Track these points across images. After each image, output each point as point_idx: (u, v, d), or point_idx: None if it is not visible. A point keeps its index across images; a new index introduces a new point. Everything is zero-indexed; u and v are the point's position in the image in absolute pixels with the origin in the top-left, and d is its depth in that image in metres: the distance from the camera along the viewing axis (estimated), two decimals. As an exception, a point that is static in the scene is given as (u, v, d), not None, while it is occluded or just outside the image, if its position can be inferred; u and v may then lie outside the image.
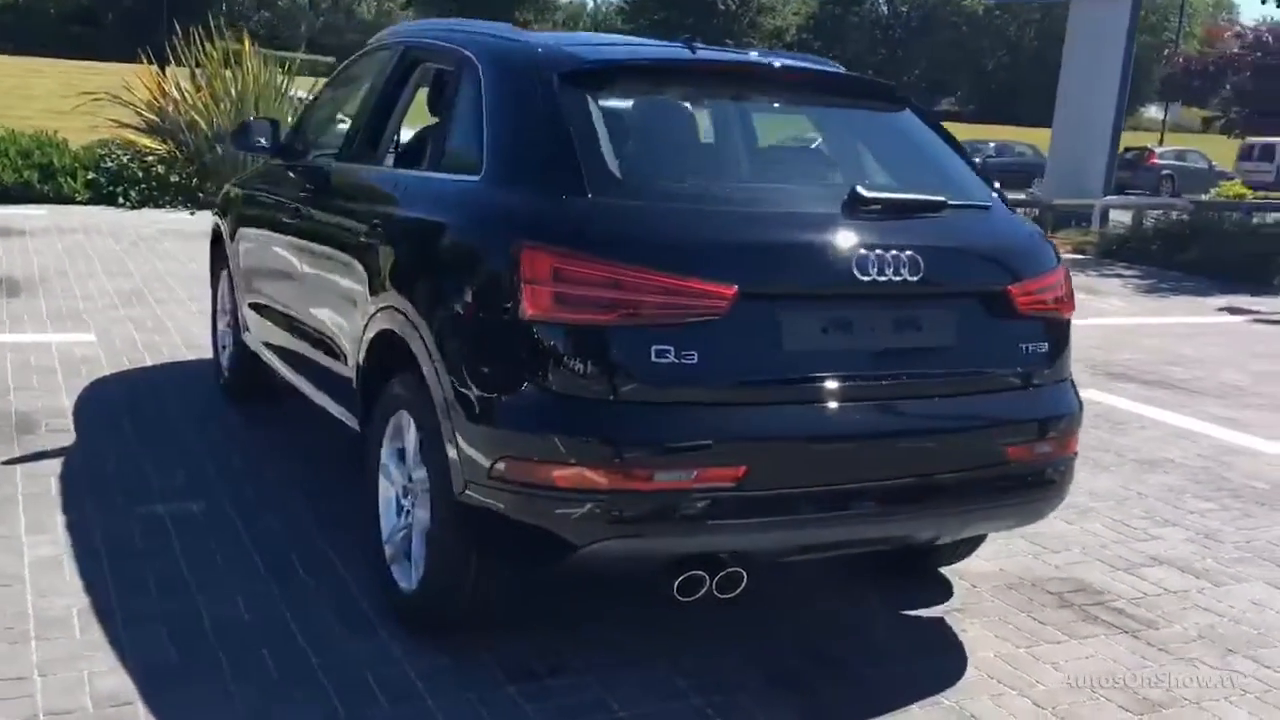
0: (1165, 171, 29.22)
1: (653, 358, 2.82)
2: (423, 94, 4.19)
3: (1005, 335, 3.23)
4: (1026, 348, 3.25)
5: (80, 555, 3.78)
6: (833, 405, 2.98)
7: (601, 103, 3.23)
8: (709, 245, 2.93)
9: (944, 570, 4.09)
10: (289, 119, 13.57)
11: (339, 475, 4.67)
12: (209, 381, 5.90)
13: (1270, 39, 17.11)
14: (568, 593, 3.67)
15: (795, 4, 62.97)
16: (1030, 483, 3.28)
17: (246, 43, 13.84)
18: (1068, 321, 3.40)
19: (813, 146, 3.61)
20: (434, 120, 4.03)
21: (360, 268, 3.71)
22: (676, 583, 2.93)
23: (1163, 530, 4.74)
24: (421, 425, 3.26)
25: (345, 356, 3.84)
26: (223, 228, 5.52)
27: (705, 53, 3.59)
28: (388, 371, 3.53)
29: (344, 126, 4.64)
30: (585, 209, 2.95)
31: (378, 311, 3.52)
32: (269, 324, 4.82)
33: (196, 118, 13.36)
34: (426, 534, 3.22)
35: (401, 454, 3.51)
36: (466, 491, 3.01)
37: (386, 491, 3.59)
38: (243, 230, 5.18)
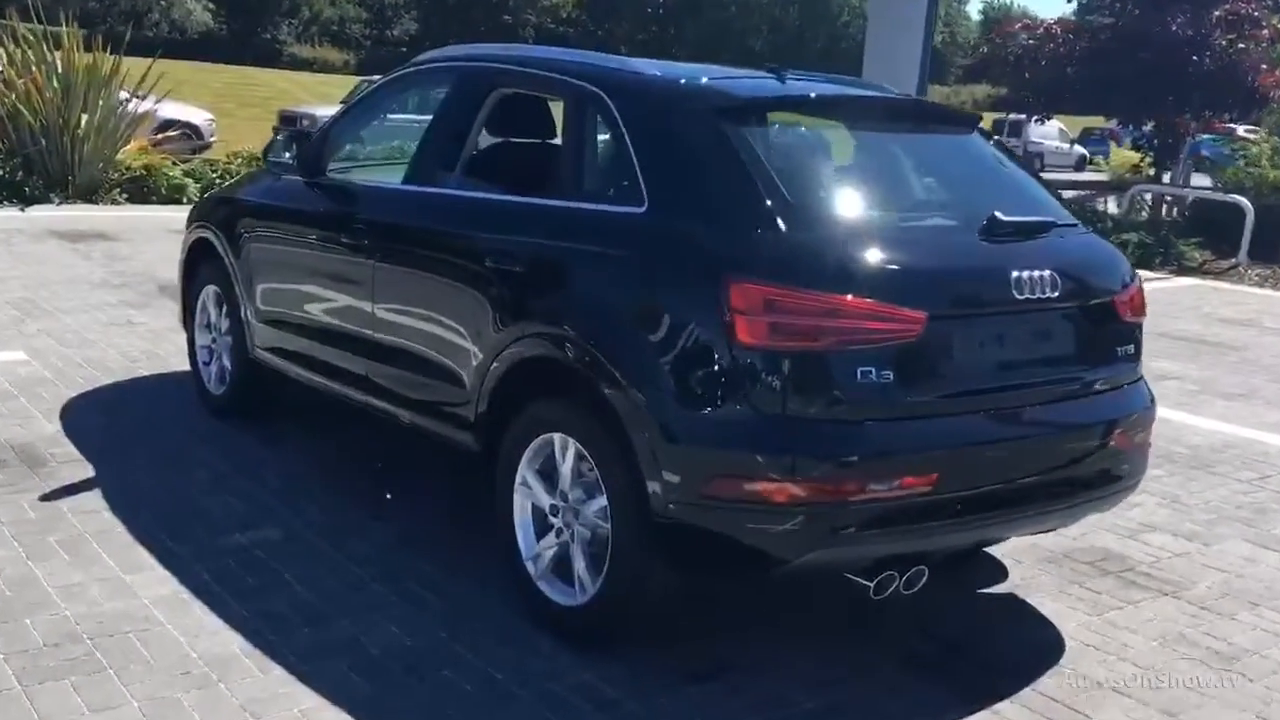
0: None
1: (858, 378, 3.08)
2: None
3: (1109, 340, 3.64)
4: (1122, 350, 3.68)
5: (199, 592, 3.73)
6: (999, 412, 3.34)
7: (762, 136, 3.45)
8: (902, 273, 3.21)
9: (988, 551, 4.51)
10: (114, 110, 12.94)
11: (384, 488, 4.71)
12: (189, 399, 5.73)
13: (1059, 31, 18.64)
14: (703, 600, 3.89)
15: (570, -19, 63.58)
16: (1125, 471, 3.71)
17: (68, 26, 12.99)
18: (1142, 325, 3.84)
19: (929, 174, 3.93)
20: (517, 146, 4.14)
21: (483, 295, 3.79)
22: (874, 583, 3.20)
23: (1137, 498, 5.31)
24: (593, 447, 3.40)
25: (460, 379, 3.90)
26: (215, 240, 5.37)
27: (844, 88, 3.91)
28: (528, 396, 3.65)
29: (384, 146, 4.66)
30: (784, 243, 3.17)
31: (521, 339, 3.62)
32: (309, 341, 4.77)
33: (20, 108, 12.50)
34: (612, 551, 3.37)
35: (544, 473, 3.64)
36: (669, 510, 3.19)
37: (524, 509, 3.71)
38: (257, 246, 5.07)
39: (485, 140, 4.34)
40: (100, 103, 12.60)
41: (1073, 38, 18.54)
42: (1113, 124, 21.93)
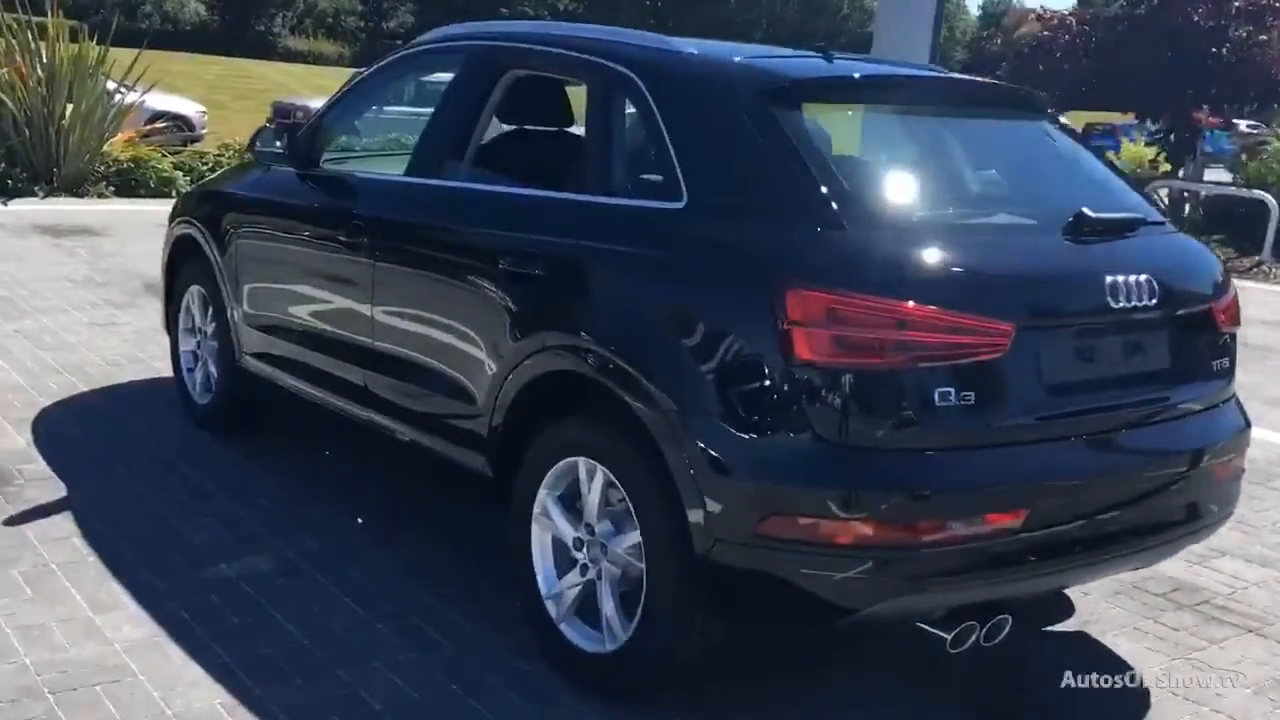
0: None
1: (935, 401, 2.66)
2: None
3: (1204, 354, 3.23)
4: (1217, 364, 3.26)
5: (177, 636, 3.31)
6: (1092, 438, 2.92)
7: (817, 122, 3.03)
8: (983, 278, 2.80)
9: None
10: (101, 101, 12.48)
11: (385, 513, 4.30)
12: (173, 408, 5.30)
13: (1074, 23, 18.21)
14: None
15: (567, -26, 62.96)
16: (1220, 501, 3.29)
17: (54, 15, 12.53)
18: (1236, 335, 3.43)
19: (1002, 164, 3.50)
20: (534, 135, 3.70)
21: (496, 300, 3.37)
22: (952, 635, 2.79)
23: (1200, 519, 4.91)
24: (624, 475, 2.98)
25: (470, 394, 3.49)
26: (200, 237, 4.94)
27: (903, 69, 3.47)
28: (548, 413, 3.24)
29: (385, 136, 4.22)
30: (848, 243, 2.75)
31: (541, 350, 3.20)
32: (301, 348, 4.35)
33: (3, 97, 12.04)
34: (647, 593, 2.95)
35: (567, 501, 3.23)
36: (715, 550, 2.77)
37: (543, 541, 3.30)
38: (245, 243, 4.65)
39: (498, 128, 3.92)
40: (86, 93, 12.15)
41: (1088, 29, 18.10)
42: (1129, 119, 21.47)
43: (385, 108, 4.90)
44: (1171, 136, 17.99)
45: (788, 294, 2.68)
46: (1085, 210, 3.00)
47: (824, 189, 2.82)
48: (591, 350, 3.06)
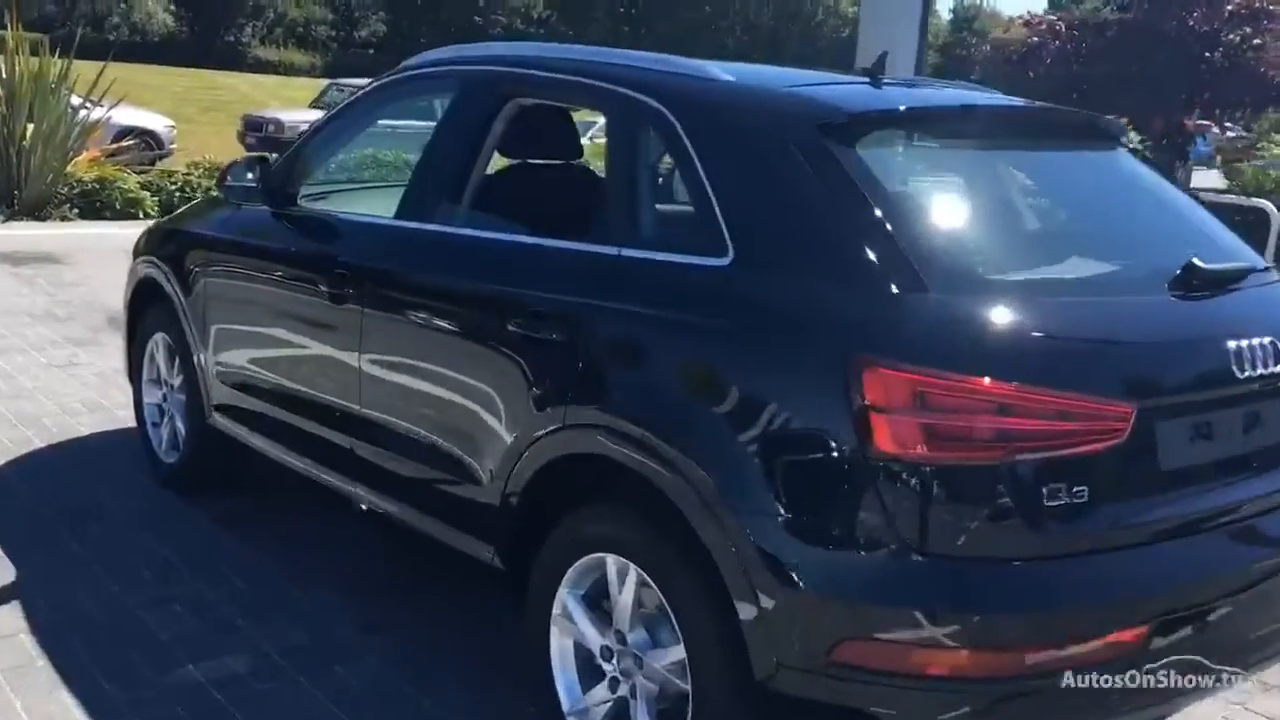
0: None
1: (1045, 500, 2.23)
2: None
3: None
4: None
5: (138, 764, 2.84)
6: (1220, 533, 2.49)
7: (886, 161, 2.59)
8: (1098, 349, 2.37)
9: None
10: (64, 118, 11.92)
11: (380, 591, 3.83)
12: (137, 464, 4.81)
13: (1063, 27, 17.88)
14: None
15: (540, -19, 62.45)
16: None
17: (13, 29, 11.97)
18: None
19: (1091, 206, 3.05)
20: (543, 173, 3.25)
21: (506, 367, 2.92)
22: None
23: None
24: (664, 578, 2.54)
25: (474, 473, 3.03)
26: (165, 280, 4.46)
27: (960, 93, 3.02)
28: (570, 499, 2.79)
29: (372, 171, 3.75)
30: (937, 309, 2.31)
31: (562, 428, 2.75)
32: (282, 411, 3.88)
33: (-41, 116, 11.49)
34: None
35: (592, 600, 2.78)
36: (778, 677, 2.33)
37: (564, 648, 2.85)
38: (213, 289, 4.17)
39: (500, 165, 3.46)
40: (48, 111, 11.61)
41: (1078, 34, 17.79)
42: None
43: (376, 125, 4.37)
44: (1165, 141, 17.69)
45: (865, 373, 2.24)
46: (1195, 261, 2.57)
47: (900, 243, 2.38)
48: (622, 431, 2.60)
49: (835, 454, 2.28)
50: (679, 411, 2.53)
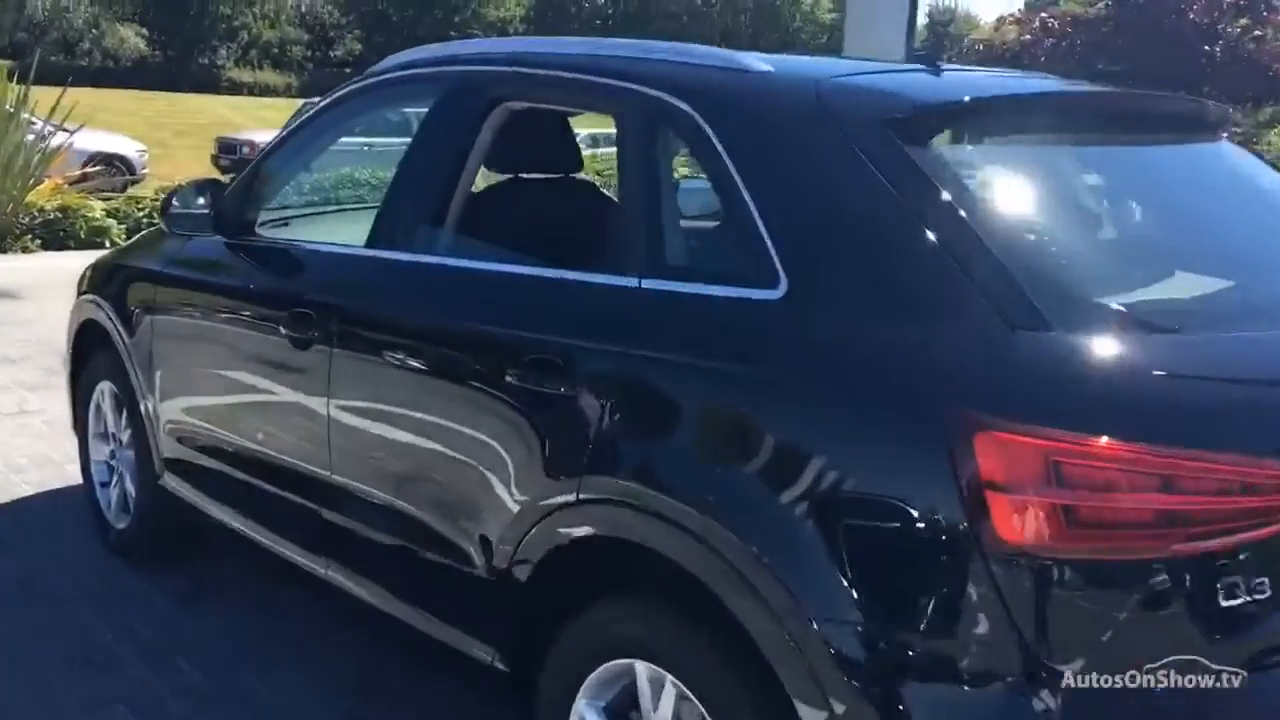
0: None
1: (1221, 599, 1.70)
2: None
3: None
4: None
5: None
6: None
7: (975, 164, 2.08)
8: (1266, 397, 1.84)
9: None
10: (23, 145, 11.36)
11: (357, 691, 3.29)
12: (84, 528, 4.27)
13: (1055, 24, 17.45)
14: None
15: (516, -7, 62.01)
16: None
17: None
18: None
19: (1207, 208, 2.53)
20: (543, 190, 2.72)
21: (507, 427, 2.39)
22: None
23: None
24: (710, 695, 2.01)
25: (468, 555, 2.50)
26: (109, 322, 3.92)
27: (1033, 80, 2.49)
28: (588, 589, 2.26)
29: (341, 192, 3.22)
30: (1066, 351, 1.78)
31: (577, 504, 2.22)
32: (238, 473, 3.35)
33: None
34: None
35: (616, 712, 2.25)
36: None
37: (583, 773, 2.31)
38: (162, 334, 3.64)
39: (489, 180, 2.94)
40: (5, 138, 11.05)
41: (1071, 32, 17.34)
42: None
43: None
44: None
45: (976, 436, 1.71)
46: None
47: (1007, 265, 1.87)
48: (653, 508, 2.08)
49: (940, 546, 1.76)
50: (727, 486, 2.01)
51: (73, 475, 4.73)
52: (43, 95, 11.58)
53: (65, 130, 11.78)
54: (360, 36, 57.99)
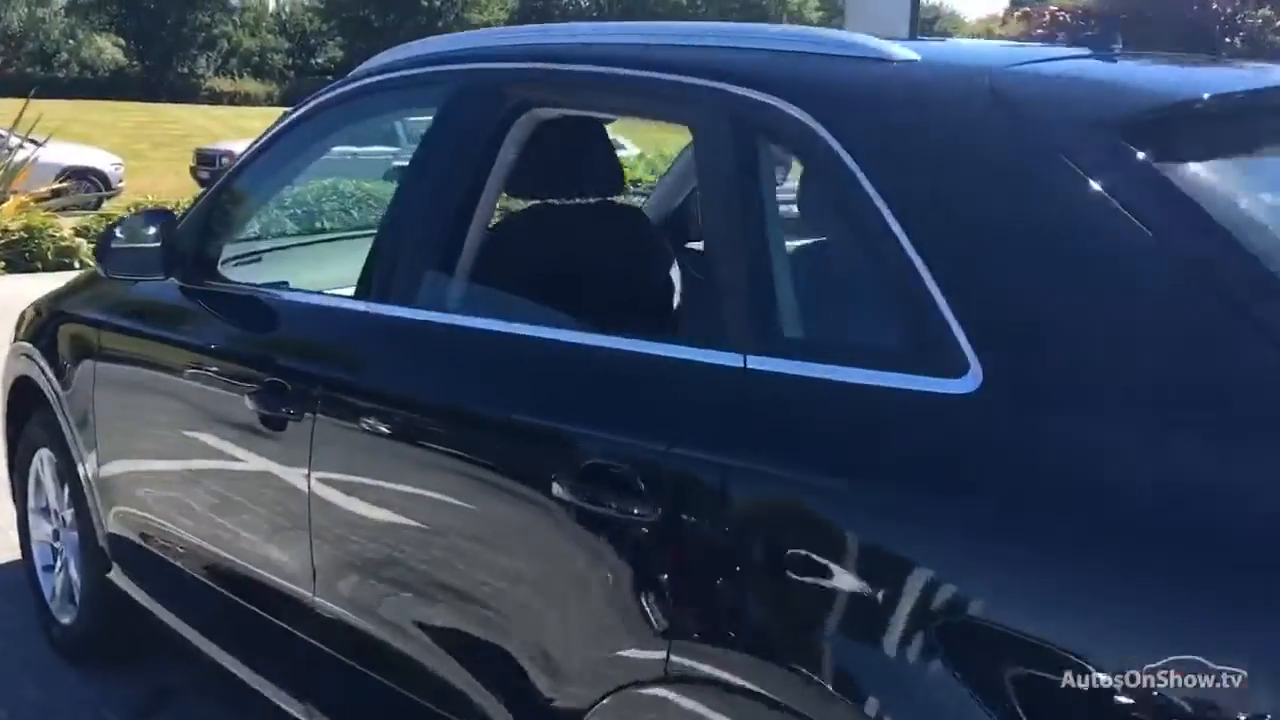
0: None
1: None
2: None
3: None
4: None
5: None
6: None
7: (1232, 186, 1.44)
8: None
9: None
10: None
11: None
12: (25, 615, 3.60)
13: (1067, 17, 16.87)
14: None
15: (500, -1, 61.20)
16: None
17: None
18: None
19: None
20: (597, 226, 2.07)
21: (557, 561, 1.74)
22: None
23: None
24: None
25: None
26: (44, 379, 3.26)
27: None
28: None
29: (325, 205, 2.58)
30: None
31: (663, 679, 1.57)
32: (193, 572, 2.69)
33: None
34: None
35: None
36: None
37: None
38: (105, 391, 2.98)
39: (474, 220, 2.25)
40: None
41: (1084, 25, 16.75)
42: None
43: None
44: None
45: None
46: None
47: None
48: (782, 698, 1.42)
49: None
50: (895, 663, 1.35)
51: (15, 544, 4.07)
52: (16, 108, 10.96)
53: (34, 143, 11.14)
54: (342, 43, 57.25)
